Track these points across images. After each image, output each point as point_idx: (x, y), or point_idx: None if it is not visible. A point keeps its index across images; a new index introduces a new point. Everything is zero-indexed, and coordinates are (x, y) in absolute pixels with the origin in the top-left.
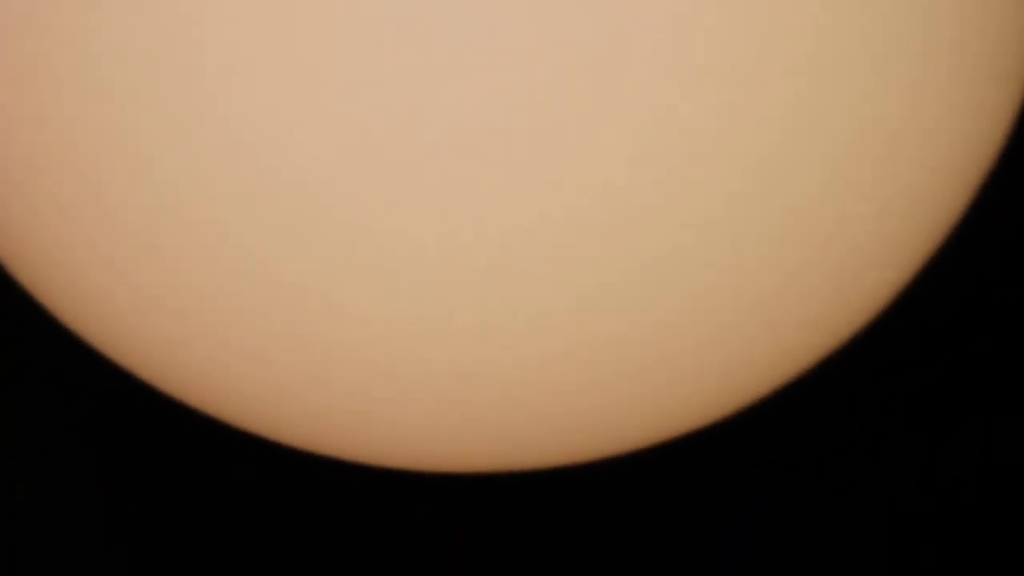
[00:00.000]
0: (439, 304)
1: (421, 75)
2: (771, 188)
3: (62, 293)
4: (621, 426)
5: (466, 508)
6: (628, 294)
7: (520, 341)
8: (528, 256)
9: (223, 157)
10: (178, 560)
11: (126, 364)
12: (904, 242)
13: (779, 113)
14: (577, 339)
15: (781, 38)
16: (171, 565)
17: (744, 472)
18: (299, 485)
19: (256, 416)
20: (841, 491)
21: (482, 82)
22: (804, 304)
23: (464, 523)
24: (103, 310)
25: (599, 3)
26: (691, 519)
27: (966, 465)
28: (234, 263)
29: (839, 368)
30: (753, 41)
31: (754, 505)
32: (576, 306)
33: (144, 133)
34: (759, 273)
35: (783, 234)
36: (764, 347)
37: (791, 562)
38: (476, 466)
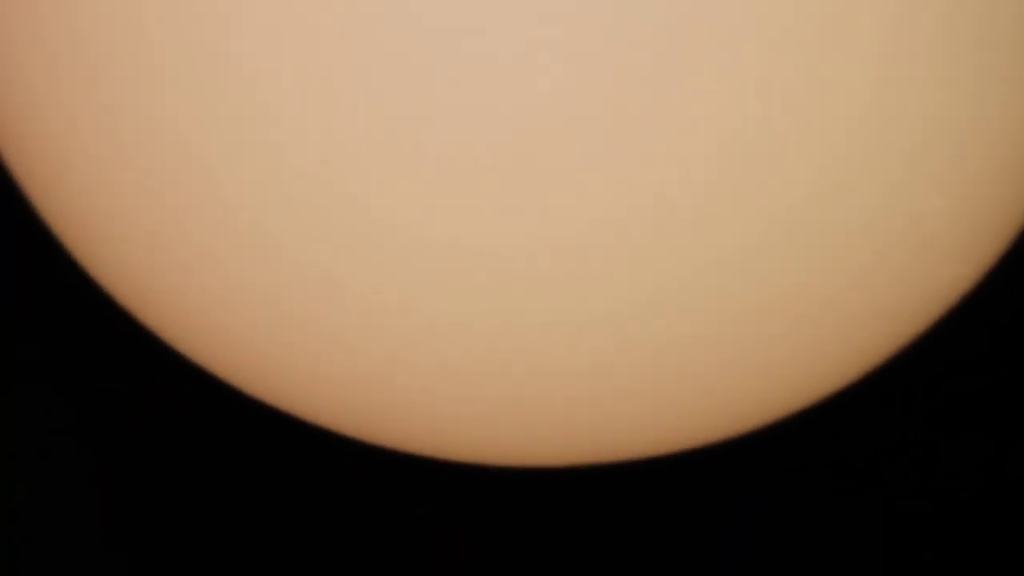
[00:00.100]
0: (500, 304)
1: (494, 71)
2: (845, 184)
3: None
4: (683, 425)
5: (503, 503)
6: (697, 292)
7: (584, 340)
8: (600, 255)
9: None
10: (178, 560)
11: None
12: (977, 238)
13: (853, 108)
14: (646, 337)
15: (855, 33)
16: (171, 565)
17: (793, 475)
18: (299, 485)
19: (270, 375)
20: (892, 494)
21: (556, 77)
22: (877, 300)
23: (491, 519)
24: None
25: (678, 1)
26: (691, 519)
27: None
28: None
29: (896, 370)
30: (828, 37)
31: (804, 509)
32: (648, 302)
33: (191, 127)
34: (833, 271)
35: (857, 230)
36: (834, 344)
37: (802, 562)
38: (544, 460)
